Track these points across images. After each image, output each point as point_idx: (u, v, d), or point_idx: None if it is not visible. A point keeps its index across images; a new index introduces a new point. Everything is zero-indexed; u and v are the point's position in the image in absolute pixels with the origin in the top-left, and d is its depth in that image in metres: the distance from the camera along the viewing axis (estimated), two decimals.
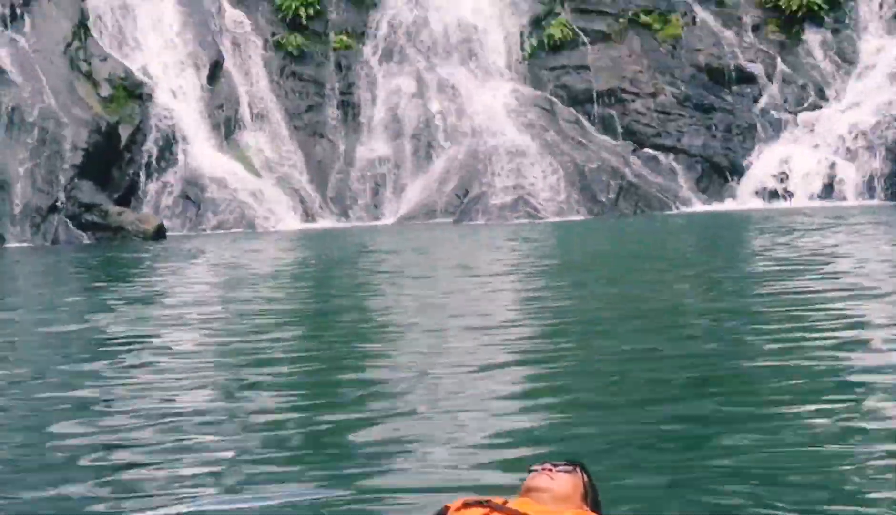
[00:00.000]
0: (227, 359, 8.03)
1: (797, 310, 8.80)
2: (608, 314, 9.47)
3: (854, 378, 6.41)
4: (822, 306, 8.91)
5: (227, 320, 10.20)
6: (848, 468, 4.74)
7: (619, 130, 26.02)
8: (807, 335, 7.69)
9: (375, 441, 5.46)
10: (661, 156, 25.62)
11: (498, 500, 3.59)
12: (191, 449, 5.45)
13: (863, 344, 7.43)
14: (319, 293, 12.51)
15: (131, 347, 8.53)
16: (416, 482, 4.82)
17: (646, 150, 25.74)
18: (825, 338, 7.49)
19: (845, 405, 5.75)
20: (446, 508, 3.60)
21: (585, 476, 3.78)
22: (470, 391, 6.50)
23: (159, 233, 21.11)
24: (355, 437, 5.56)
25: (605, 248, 17.50)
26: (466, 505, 3.56)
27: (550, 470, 3.72)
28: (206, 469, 5.09)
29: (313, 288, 13.14)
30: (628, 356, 7.47)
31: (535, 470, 3.75)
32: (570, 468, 3.77)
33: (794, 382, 6.36)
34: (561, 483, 3.69)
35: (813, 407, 5.72)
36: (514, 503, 3.59)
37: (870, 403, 5.81)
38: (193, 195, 23.30)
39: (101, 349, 8.72)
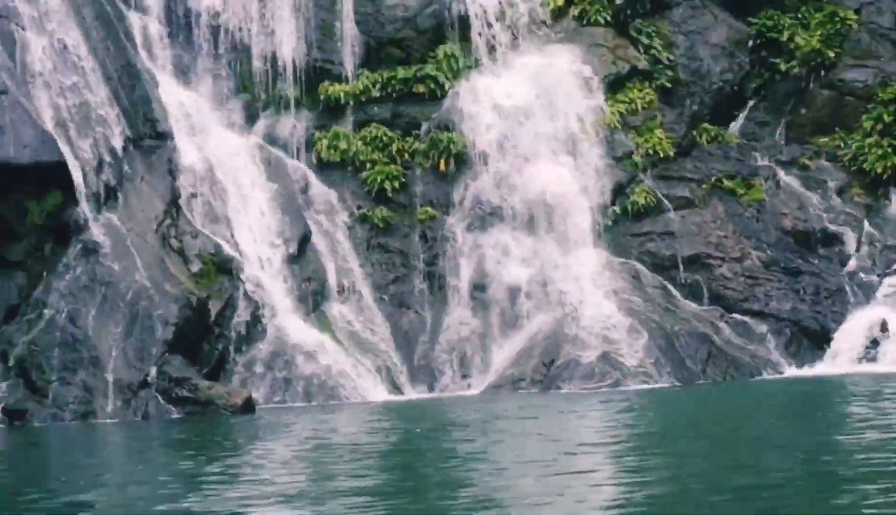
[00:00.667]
0: None
1: None
2: (707, 491, 9.27)
3: None
4: None
5: (323, 498, 10.12)
6: None
7: (706, 295, 25.89)
8: None
9: None
10: (750, 321, 25.38)
11: None
12: None
13: None
14: (415, 471, 12.41)
15: None
16: None
17: (734, 315, 25.53)
18: None
19: None
20: None
21: None
22: None
23: (248, 406, 21.19)
24: None
25: (699, 417, 17.24)
26: None
27: None
28: None
29: (410, 465, 13.04)
30: None
31: None
32: None
33: None
34: None
35: None
36: None
37: None
38: (281, 368, 23.42)
39: None
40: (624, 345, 24.06)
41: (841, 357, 24.55)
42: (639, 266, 26.29)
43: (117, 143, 24.15)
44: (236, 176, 25.97)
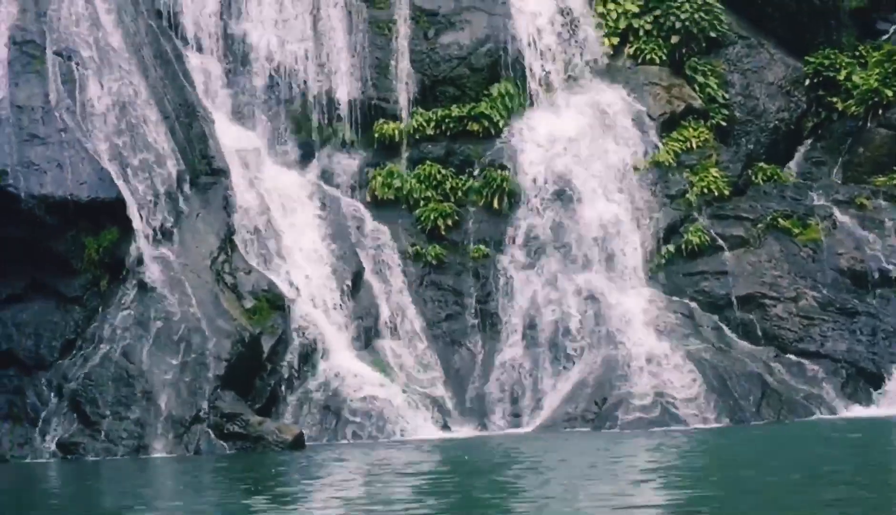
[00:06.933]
0: None
1: None
2: None
3: None
4: None
5: None
6: None
7: (760, 335, 25.67)
8: None
9: None
10: (805, 361, 25.11)
11: None
12: None
13: None
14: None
15: None
16: None
17: (788, 355, 25.29)
18: None
19: None
20: None
21: None
22: None
23: (298, 443, 21.24)
24: None
25: (756, 458, 17.07)
26: None
27: None
28: None
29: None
30: None
31: None
32: None
33: None
34: None
35: None
36: None
37: None
38: (332, 405, 23.46)
39: None
40: (676, 384, 23.89)
41: None
42: (692, 305, 26.12)
43: (173, 180, 24.41)
44: (291, 213, 26.17)
